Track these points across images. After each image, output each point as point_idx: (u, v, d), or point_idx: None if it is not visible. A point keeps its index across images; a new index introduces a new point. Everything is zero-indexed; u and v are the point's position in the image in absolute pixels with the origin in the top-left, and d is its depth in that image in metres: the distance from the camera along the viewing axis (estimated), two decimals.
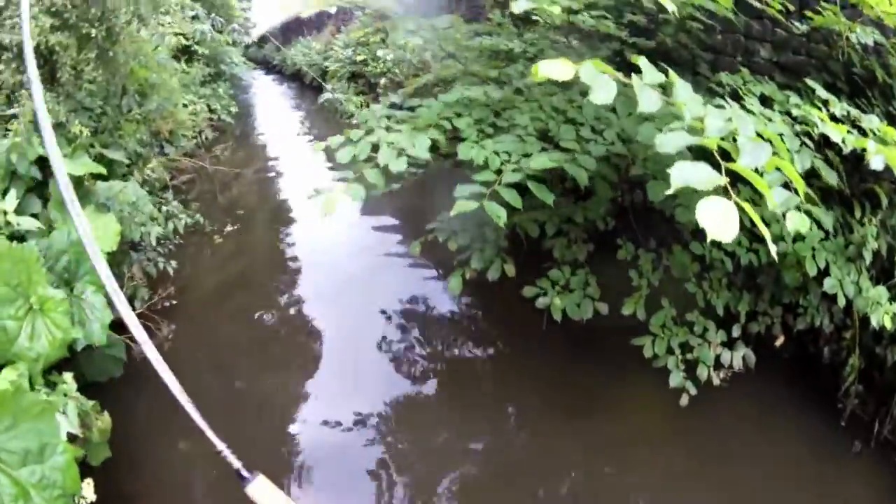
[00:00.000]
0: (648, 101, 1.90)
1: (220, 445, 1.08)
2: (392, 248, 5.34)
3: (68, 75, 4.18)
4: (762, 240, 3.03)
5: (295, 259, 5.35)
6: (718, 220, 1.60)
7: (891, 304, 2.99)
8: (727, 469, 3.27)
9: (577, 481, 3.23)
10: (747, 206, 1.66)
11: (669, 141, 1.88)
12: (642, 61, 1.96)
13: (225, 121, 8.40)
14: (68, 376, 2.93)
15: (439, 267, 4.86)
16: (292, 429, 3.62)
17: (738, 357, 3.47)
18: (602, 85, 1.87)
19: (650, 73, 1.95)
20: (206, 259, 5.09)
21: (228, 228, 5.43)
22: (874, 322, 2.97)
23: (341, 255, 5.27)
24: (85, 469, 2.69)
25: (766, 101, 3.06)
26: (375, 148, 2.95)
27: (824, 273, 3.06)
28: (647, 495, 3.16)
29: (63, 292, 3.07)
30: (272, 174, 7.75)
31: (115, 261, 3.74)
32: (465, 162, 2.97)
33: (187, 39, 7.59)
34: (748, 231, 2.94)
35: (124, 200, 3.99)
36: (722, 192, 1.64)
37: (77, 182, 3.84)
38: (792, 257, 3.12)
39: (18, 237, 3.35)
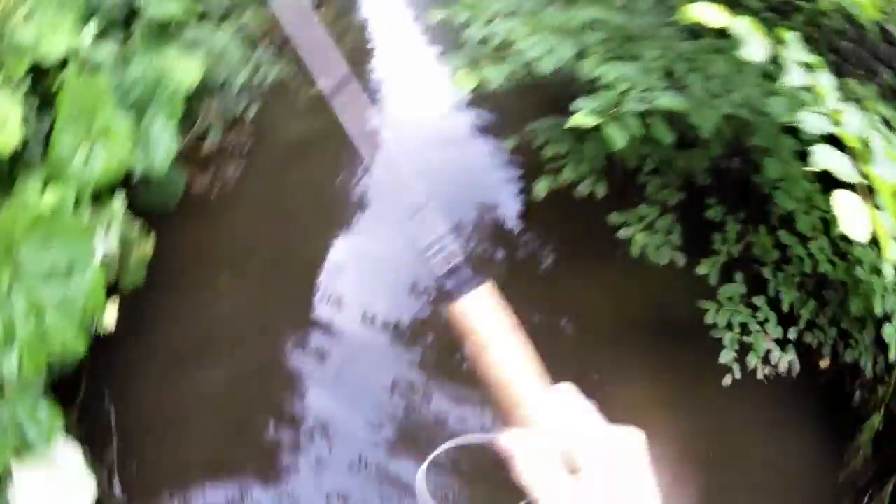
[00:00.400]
0: (795, 75, 1.87)
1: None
2: (478, 142, 5.02)
3: None
4: (842, 254, 2.96)
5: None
6: (852, 216, 1.61)
7: None
8: (722, 458, 3.19)
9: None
10: (875, 213, 1.65)
11: (813, 121, 1.86)
12: (790, 34, 1.90)
13: None
14: (118, 200, 2.92)
15: (522, 169, 4.55)
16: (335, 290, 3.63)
17: (786, 360, 3.27)
18: (756, 42, 1.86)
19: (796, 50, 1.90)
20: (287, 114, 4.95)
21: (316, 90, 5.22)
22: None
23: (427, 137, 5.01)
24: (113, 294, 2.67)
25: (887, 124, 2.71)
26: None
27: (886, 318, 2.80)
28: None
29: (130, 120, 2.98)
30: (371, 43, 7.34)
31: (194, 99, 3.64)
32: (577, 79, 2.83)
33: None
34: (830, 239, 2.90)
35: (212, 45, 3.86)
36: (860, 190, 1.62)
37: (162, 28, 3.70)
38: (865, 287, 2.88)
39: (93, 68, 3.21)
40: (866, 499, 3.01)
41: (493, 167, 4.72)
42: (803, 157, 3.00)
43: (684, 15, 1.81)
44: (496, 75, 2.84)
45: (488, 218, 4.32)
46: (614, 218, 3.44)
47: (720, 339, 3.21)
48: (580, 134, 3.63)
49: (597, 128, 3.61)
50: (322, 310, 3.61)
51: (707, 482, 3.06)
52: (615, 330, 3.54)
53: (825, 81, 1.94)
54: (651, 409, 3.26)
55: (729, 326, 3.23)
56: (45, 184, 2.55)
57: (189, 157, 3.71)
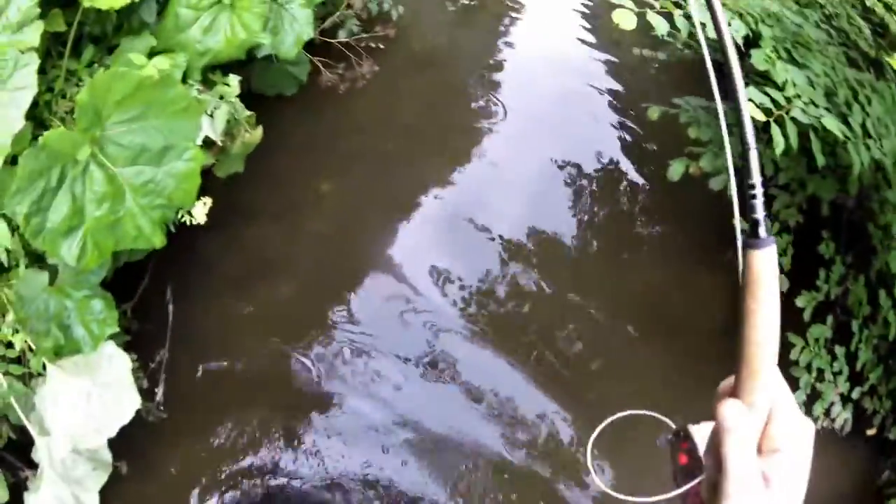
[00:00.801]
0: None
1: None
2: (621, 102, 4.32)
3: None
4: None
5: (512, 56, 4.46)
6: None
7: None
8: None
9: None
10: None
11: None
12: None
13: None
14: (233, 78, 2.48)
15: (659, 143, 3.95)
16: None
17: (843, 416, 2.89)
18: None
19: None
20: (431, 15, 4.35)
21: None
22: None
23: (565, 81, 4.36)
24: (207, 180, 2.26)
25: None
26: None
27: None
28: None
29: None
30: None
31: None
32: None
33: None
34: None
35: None
36: None
37: None
38: None
39: None
40: None
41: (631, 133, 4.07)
42: None
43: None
44: (660, 24, 2.46)
45: (614, 188, 3.80)
46: (737, 223, 2.85)
47: (797, 378, 2.82)
48: (727, 124, 3.10)
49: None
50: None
51: None
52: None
53: None
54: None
55: (808, 368, 2.85)
56: (153, 51, 2.08)
57: (320, 46, 3.18)
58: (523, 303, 3.12)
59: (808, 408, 2.81)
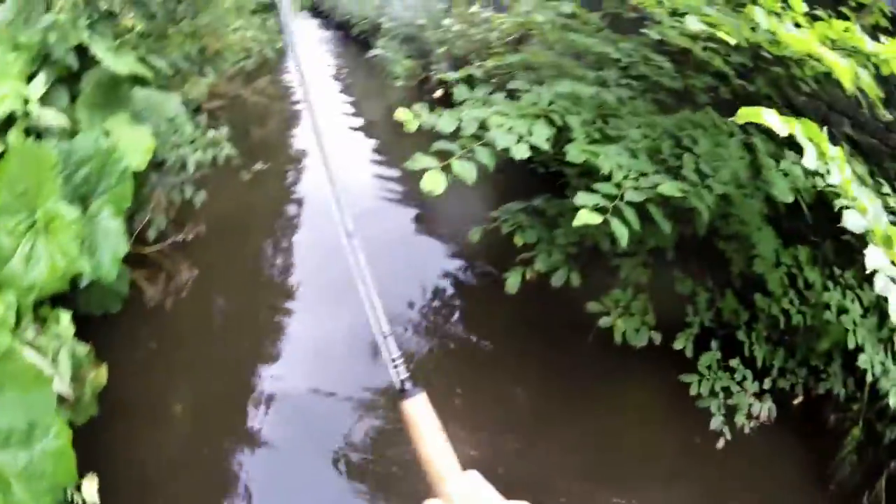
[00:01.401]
0: (810, 158, 1.77)
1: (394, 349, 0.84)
2: (441, 233, 4.47)
3: None
4: (810, 303, 2.89)
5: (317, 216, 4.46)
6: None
7: None
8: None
9: None
10: None
11: (854, 220, 1.82)
12: (804, 122, 1.78)
13: (268, 56, 7.24)
14: (65, 317, 2.15)
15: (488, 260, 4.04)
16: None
17: (766, 408, 3.05)
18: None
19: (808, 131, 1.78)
20: (231, 193, 4.22)
21: (258, 166, 4.51)
22: (891, 403, 2.68)
23: (381, 227, 4.41)
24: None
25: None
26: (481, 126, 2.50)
27: (859, 349, 2.74)
28: None
29: (77, 210, 2.27)
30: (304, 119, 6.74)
31: (139, 181, 2.89)
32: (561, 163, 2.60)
33: None
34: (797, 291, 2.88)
35: (163, 114, 3.13)
36: None
37: (115, 83, 2.95)
38: (833, 327, 2.82)
39: (37, 134, 2.54)
40: (865, 499, 2.96)
41: (457, 258, 4.16)
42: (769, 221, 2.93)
43: (740, 116, 1.59)
44: (468, 173, 2.36)
45: (457, 314, 3.81)
46: (593, 307, 3.09)
47: (708, 408, 2.95)
48: (549, 219, 3.32)
49: (564, 208, 3.23)
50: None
51: None
52: (604, 414, 3.18)
53: (848, 172, 1.85)
54: (653, 484, 2.91)
55: (713, 394, 2.98)
56: None
57: (135, 256, 2.88)
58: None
59: (730, 423, 2.93)
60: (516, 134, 2.49)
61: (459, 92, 2.80)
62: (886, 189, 2.67)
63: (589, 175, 2.65)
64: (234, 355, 3.16)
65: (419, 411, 0.77)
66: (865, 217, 1.83)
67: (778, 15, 2.36)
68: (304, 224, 4.30)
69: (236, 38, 5.45)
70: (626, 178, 2.47)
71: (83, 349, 2.20)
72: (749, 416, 2.99)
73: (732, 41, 2.27)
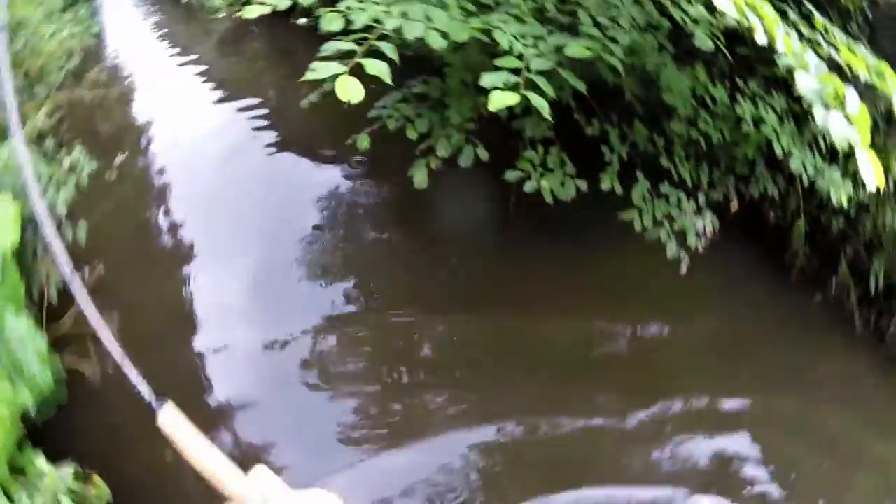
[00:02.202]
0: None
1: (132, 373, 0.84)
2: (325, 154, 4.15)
3: None
4: (724, 119, 2.91)
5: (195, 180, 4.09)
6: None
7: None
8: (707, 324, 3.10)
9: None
10: None
11: (806, 84, 1.71)
12: None
13: (89, 44, 6.28)
14: (41, 461, 1.90)
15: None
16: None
17: (708, 223, 3.05)
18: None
19: None
20: (107, 201, 3.78)
21: (118, 159, 4.01)
22: (834, 200, 2.74)
23: (259, 162, 4.13)
24: None
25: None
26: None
27: (786, 153, 2.78)
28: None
29: None
30: (145, 89, 5.99)
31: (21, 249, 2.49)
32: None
33: None
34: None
35: (14, 167, 2.67)
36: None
37: None
38: (754, 136, 2.87)
39: None
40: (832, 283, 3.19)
41: (351, 172, 3.92)
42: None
43: None
44: (382, 69, 2.02)
45: (370, 228, 3.63)
46: (511, 175, 2.92)
47: (658, 238, 2.92)
48: (435, 102, 3.08)
49: (448, 89, 3.03)
50: None
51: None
52: (562, 274, 3.18)
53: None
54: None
55: (657, 223, 2.94)
56: None
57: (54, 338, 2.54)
58: None
59: (684, 245, 2.92)
60: (419, 20, 2.24)
61: None
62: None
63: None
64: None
65: (173, 423, 0.76)
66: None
67: None
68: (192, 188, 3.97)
69: (54, 45, 4.77)
70: (525, 46, 2.28)
71: (68, 475, 1.97)
72: (698, 235, 3.00)
73: None
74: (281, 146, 4.26)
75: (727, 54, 2.64)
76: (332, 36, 2.25)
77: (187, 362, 2.79)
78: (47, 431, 2.23)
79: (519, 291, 3.11)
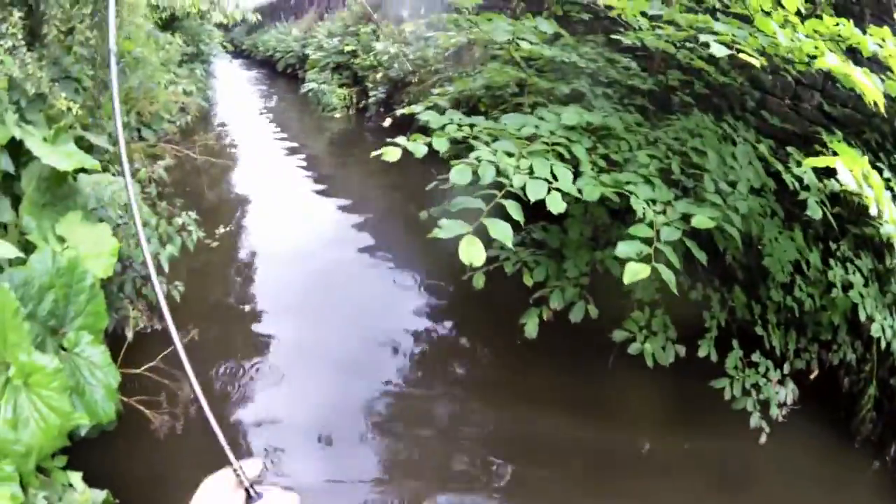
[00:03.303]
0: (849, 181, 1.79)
1: (235, 462, 0.77)
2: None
3: (56, 31, 2.80)
4: (815, 284, 2.88)
5: (297, 283, 4.04)
6: None
7: None
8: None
9: None
10: None
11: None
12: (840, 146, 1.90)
13: (202, 105, 6.67)
14: (76, 478, 1.78)
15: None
16: None
17: (790, 392, 2.98)
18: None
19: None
20: (201, 266, 3.82)
21: (221, 230, 4.08)
22: None
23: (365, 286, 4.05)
24: None
25: None
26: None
27: (869, 318, 2.74)
28: None
29: (54, 357, 1.92)
30: (251, 167, 6.24)
31: (106, 287, 2.47)
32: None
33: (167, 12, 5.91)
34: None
35: (117, 204, 2.71)
36: None
37: (58, 177, 2.56)
38: (841, 301, 2.81)
39: None
40: (892, 450, 3.06)
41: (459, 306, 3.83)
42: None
43: (811, 164, 1.68)
44: (504, 234, 2.06)
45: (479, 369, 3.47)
46: (618, 336, 2.90)
47: (744, 408, 2.86)
48: (552, 252, 3.13)
49: (567, 241, 3.02)
50: None
51: None
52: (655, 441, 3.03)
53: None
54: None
55: (745, 392, 2.89)
56: None
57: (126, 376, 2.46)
58: None
59: (766, 415, 2.84)
60: (542, 180, 2.23)
61: (431, 118, 2.50)
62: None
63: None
64: None
65: None
66: None
67: (768, 14, 2.22)
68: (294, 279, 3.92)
69: (169, 95, 5.01)
70: (656, 214, 2.30)
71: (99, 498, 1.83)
72: (779, 405, 2.92)
73: (756, 63, 2.11)
74: (380, 258, 4.23)
75: (832, 221, 2.61)
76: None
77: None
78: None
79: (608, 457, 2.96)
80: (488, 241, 2.07)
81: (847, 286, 2.74)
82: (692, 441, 3.01)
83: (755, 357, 2.95)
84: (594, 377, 3.24)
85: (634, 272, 2.06)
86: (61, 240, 2.37)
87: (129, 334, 2.74)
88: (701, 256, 2.42)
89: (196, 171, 5.02)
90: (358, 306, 3.75)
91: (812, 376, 3.22)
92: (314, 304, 3.73)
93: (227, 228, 4.22)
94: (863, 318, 2.70)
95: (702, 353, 2.87)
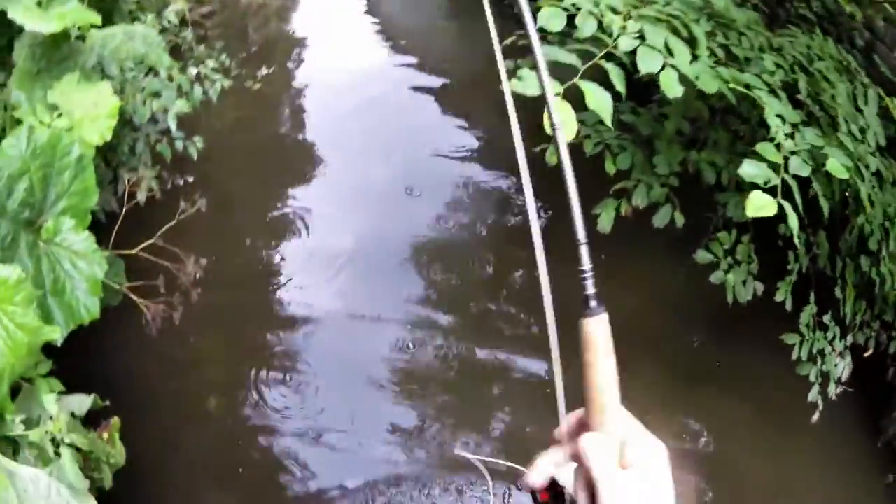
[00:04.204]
0: None
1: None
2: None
3: None
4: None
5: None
6: None
7: None
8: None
9: None
10: None
11: None
12: None
13: None
14: (50, 399, 1.48)
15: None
16: None
17: (846, 367, 2.64)
18: None
19: None
20: (236, 114, 3.28)
21: (264, 71, 3.46)
22: None
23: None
24: None
25: None
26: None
27: None
28: None
29: (15, 267, 1.51)
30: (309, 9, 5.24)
31: (110, 147, 2.00)
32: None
33: None
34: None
35: (129, 56, 2.13)
36: None
37: (55, 41, 2.07)
38: None
39: None
40: None
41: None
42: None
43: None
44: (603, 105, 1.71)
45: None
46: (702, 258, 2.52)
47: (806, 376, 2.53)
48: (642, 140, 2.65)
49: (662, 131, 2.54)
50: None
51: None
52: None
53: None
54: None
55: (812, 359, 2.55)
56: None
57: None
58: None
59: (823, 394, 2.54)
60: (656, 51, 1.81)
61: None
62: None
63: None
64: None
65: (599, 333, 0.63)
66: None
67: None
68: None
69: None
70: (787, 136, 1.91)
71: (83, 432, 1.54)
72: (838, 382, 2.61)
73: None
74: (434, 111, 3.70)
75: None
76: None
77: None
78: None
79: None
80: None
81: None
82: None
83: (826, 320, 2.58)
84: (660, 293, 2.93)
85: (760, 205, 1.74)
86: (53, 108, 1.93)
87: (141, 197, 2.30)
88: (824, 205, 2.04)
89: (245, 11, 4.21)
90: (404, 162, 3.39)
91: (866, 354, 2.83)
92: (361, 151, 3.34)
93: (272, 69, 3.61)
94: None
95: (779, 298, 2.52)
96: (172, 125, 2.24)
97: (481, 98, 3.27)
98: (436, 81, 3.97)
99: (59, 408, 1.57)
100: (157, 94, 2.23)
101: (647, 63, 1.78)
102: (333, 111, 3.60)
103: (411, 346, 2.66)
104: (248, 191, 3.10)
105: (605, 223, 2.43)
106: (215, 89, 2.46)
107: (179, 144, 2.33)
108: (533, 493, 0.65)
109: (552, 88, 0.78)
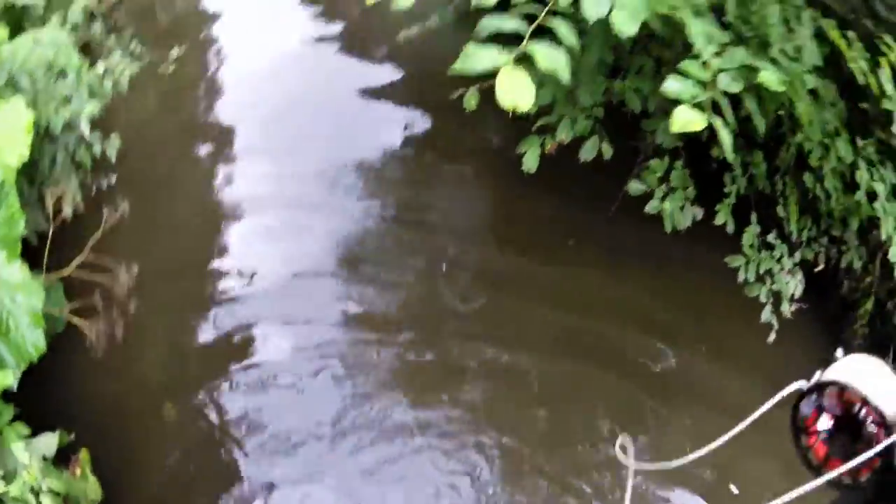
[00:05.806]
0: None
1: None
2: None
3: None
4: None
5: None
6: None
7: None
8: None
9: None
10: None
11: None
12: None
13: None
14: (19, 447, 1.44)
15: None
16: None
17: (798, 285, 2.58)
18: None
19: None
20: (154, 102, 3.20)
21: (176, 52, 3.34)
22: None
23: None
24: None
25: None
26: None
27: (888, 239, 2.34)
28: None
29: None
30: None
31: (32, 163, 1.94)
32: None
33: None
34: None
35: (38, 63, 2.07)
36: None
37: None
38: (865, 208, 2.37)
39: None
40: None
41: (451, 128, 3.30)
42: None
43: None
44: (558, 63, 1.65)
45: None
46: (634, 188, 2.47)
47: (757, 297, 2.49)
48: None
49: (583, 63, 2.45)
50: None
51: None
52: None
53: None
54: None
55: (760, 279, 2.51)
56: None
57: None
58: None
59: (777, 313, 2.50)
60: None
61: None
62: None
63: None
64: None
65: None
66: None
67: None
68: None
69: None
70: (716, 54, 1.81)
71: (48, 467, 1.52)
72: (791, 300, 2.57)
73: None
74: (361, 77, 3.61)
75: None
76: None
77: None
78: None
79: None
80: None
81: (872, 195, 2.32)
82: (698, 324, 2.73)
83: (771, 238, 2.54)
84: (589, 227, 2.88)
85: (685, 122, 1.63)
86: None
87: (68, 211, 2.21)
88: (759, 123, 1.99)
89: None
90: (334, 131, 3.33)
91: (816, 270, 2.83)
92: (284, 134, 3.25)
93: (183, 50, 3.46)
94: (883, 236, 2.33)
95: (718, 220, 2.47)
96: (86, 130, 2.14)
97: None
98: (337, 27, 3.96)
99: (29, 454, 1.53)
100: (68, 100, 2.13)
101: (594, 7, 1.67)
102: (250, 78, 3.51)
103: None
104: (177, 177, 3.00)
105: (530, 162, 2.36)
106: (124, 77, 2.36)
107: (97, 149, 2.24)
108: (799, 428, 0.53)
109: None
